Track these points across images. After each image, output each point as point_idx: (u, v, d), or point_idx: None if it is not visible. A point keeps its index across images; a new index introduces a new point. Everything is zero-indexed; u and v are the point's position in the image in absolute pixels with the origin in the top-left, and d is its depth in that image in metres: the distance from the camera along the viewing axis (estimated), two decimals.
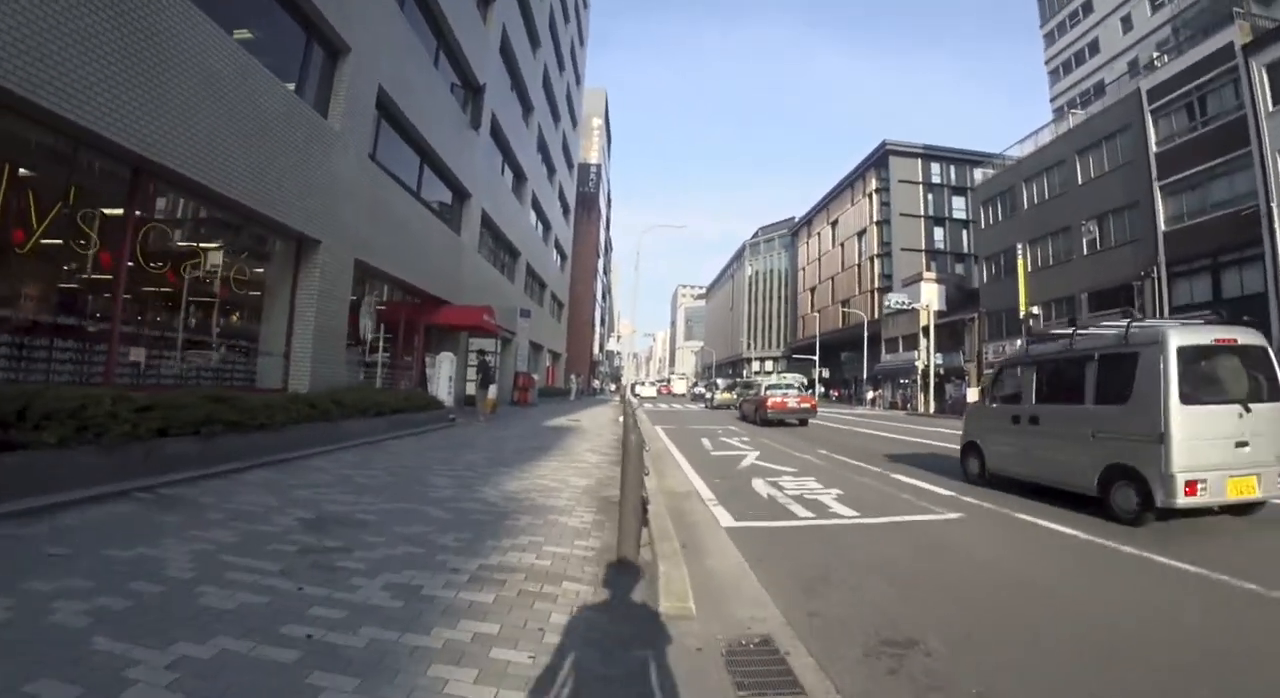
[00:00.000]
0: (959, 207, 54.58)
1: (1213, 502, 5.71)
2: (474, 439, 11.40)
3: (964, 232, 53.57)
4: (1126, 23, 42.65)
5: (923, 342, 43.09)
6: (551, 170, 36.14)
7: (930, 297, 42.08)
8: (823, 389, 58.23)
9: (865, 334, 47.21)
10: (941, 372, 38.41)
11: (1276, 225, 20.00)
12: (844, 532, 5.89)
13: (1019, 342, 7.23)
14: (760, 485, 8.29)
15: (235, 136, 8.53)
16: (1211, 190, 22.92)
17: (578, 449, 10.69)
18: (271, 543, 4.08)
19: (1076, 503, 6.67)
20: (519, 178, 27.76)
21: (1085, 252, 28.96)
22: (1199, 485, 5.57)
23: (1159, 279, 24.86)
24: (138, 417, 5.55)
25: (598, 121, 63.29)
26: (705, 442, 14.28)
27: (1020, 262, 32.71)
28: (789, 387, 22.12)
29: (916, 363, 43.31)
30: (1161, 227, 24.73)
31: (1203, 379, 5.98)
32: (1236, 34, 21.99)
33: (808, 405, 20.32)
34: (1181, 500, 5.54)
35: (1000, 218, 35.80)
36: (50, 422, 4.90)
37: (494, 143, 22.84)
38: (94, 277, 7.29)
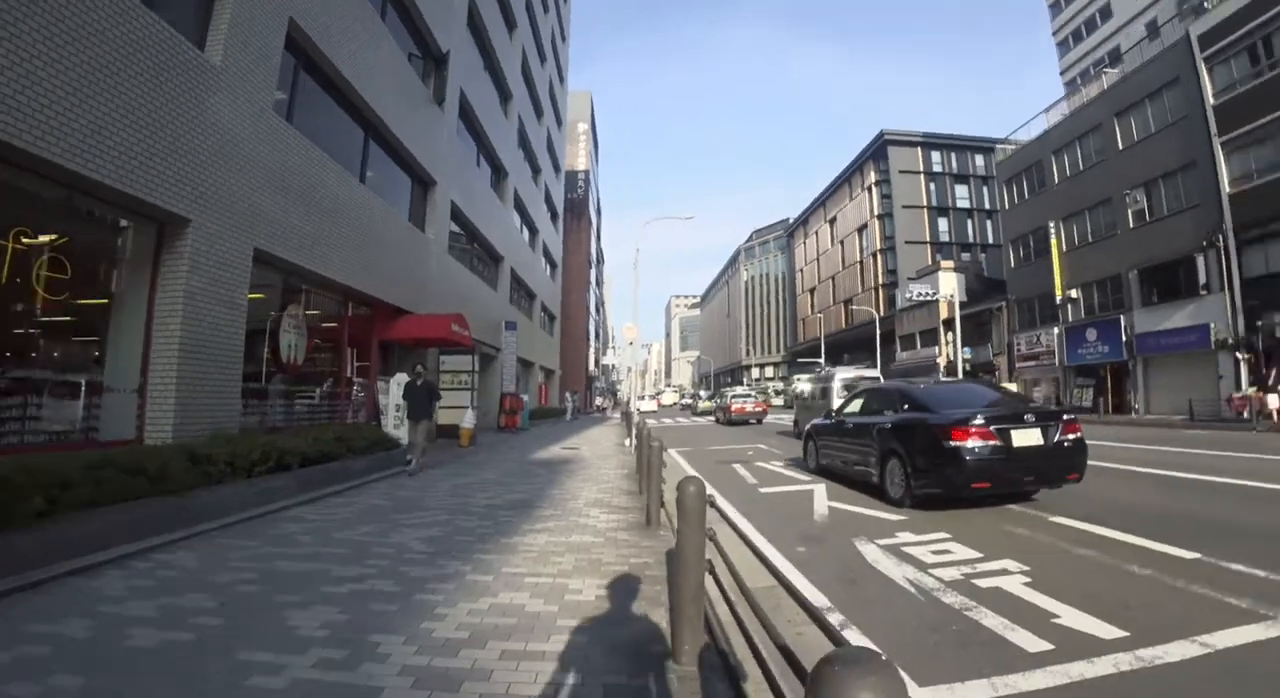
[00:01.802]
0: (962, 195, 52.30)
1: None
2: (426, 495, 7.91)
3: (969, 221, 51.58)
4: None
5: (944, 335, 40.08)
6: (536, 170, 32.88)
7: (950, 287, 38.91)
8: None
9: (877, 332, 44.00)
10: (969, 366, 35.14)
11: None
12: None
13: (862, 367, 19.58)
14: (880, 558, 4.96)
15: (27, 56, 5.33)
16: None
17: (577, 502, 7.38)
18: None
19: None
20: (499, 173, 24.54)
21: (1132, 224, 25.84)
22: None
23: (1225, 248, 21.76)
24: None
25: (584, 126, 60.18)
26: (741, 470, 10.90)
27: (1054, 241, 29.66)
28: (748, 395, 29.47)
29: (938, 359, 40.18)
30: (1226, 188, 21.66)
31: (849, 390, 14.68)
32: None
33: (761, 409, 27.76)
34: None
35: (1027, 195, 32.61)
36: None
37: (466, 128, 19.65)
38: None
